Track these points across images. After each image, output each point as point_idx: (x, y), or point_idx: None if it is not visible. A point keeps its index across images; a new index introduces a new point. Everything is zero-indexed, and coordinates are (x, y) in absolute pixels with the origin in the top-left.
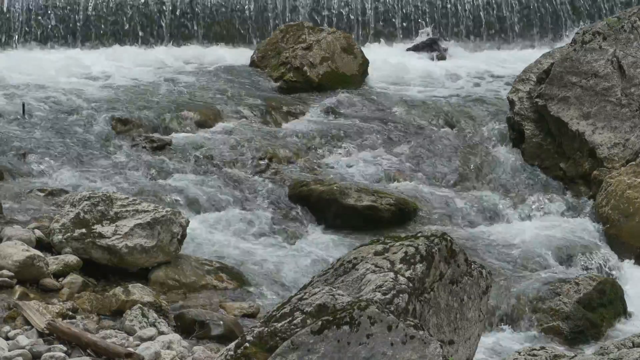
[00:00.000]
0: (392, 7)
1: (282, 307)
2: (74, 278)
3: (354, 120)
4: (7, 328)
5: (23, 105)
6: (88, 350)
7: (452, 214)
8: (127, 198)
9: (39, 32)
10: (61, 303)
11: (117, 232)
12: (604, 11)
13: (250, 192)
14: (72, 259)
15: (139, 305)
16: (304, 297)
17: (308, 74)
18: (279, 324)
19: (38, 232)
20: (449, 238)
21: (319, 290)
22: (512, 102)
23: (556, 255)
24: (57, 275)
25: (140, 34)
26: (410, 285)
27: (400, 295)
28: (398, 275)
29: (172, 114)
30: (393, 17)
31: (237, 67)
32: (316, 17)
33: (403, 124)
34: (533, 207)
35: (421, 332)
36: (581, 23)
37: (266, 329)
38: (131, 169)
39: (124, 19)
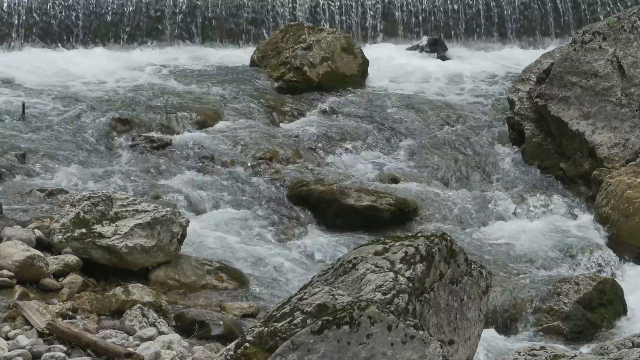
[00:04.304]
0: (392, 6)
1: (282, 307)
2: (74, 278)
3: (354, 120)
4: (7, 328)
5: (23, 105)
6: (88, 350)
7: (452, 214)
8: (127, 198)
9: (39, 32)
10: (61, 303)
11: (117, 232)
12: (604, 12)
13: (250, 192)
14: (72, 259)
15: (139, 305)
16: (304, 297)
17: (308, 74)
18: (279, 324)
19: (38, 232)
20: (449, 238)
21: (319, 290)
22: (512, 102)
23: (556, 255)
24: (57, 275)
25: (140, 34)
26: (410, 285)
27: (400, 295)
28: (398, 275)
29: (172, 114)
30: (393, 17)
31: (237, 67)
32: (316, 17)
33: (403, 124)
34: (533, 207)
35: (421, 332)
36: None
37: (266, 329)
38: (131, 169)
39: (125, 19)
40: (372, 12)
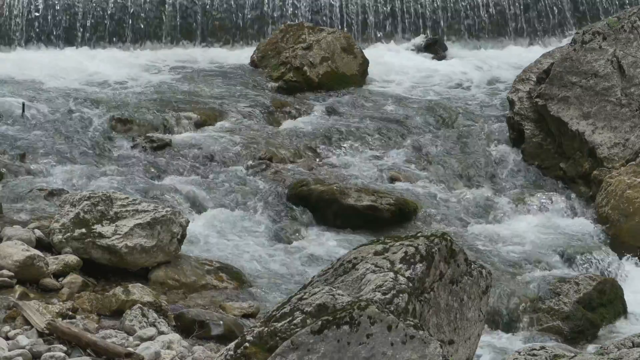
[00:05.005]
0: (392, 6)
1: (282, 307)
2: (74, 278)
3: (354, 120)
4: (7, 328)
5: (23, 105)
6: (88, 350)
7: (452, 214)
8: (127, 198)
9: (39, 32)
10: (61, 303)
11: (117, 232)
12: (605, 11)
13: (250, 192)
14: (72, 258)
15: (139, 305)
16: (304, 297)
17: (308, 74)
18: (279, 324)
19: (38, 232)
20: (449, 238)
21: (319, 290)
22: (512, 102)
23: (556, 255)
24: (57, 275)
25: (140, 34)
26: (410, 285)
27: (400, 295)
28: (398, 275)
29: (172, 114)
30: (393, 17)
31: (237, 67)
32: (316, 17)
33: (403, 124)
34: (533, 207)
35: (421, 332)
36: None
37: (266, 329)
38: (131, 169)
39: (124, 19)
40: (372, 12)
